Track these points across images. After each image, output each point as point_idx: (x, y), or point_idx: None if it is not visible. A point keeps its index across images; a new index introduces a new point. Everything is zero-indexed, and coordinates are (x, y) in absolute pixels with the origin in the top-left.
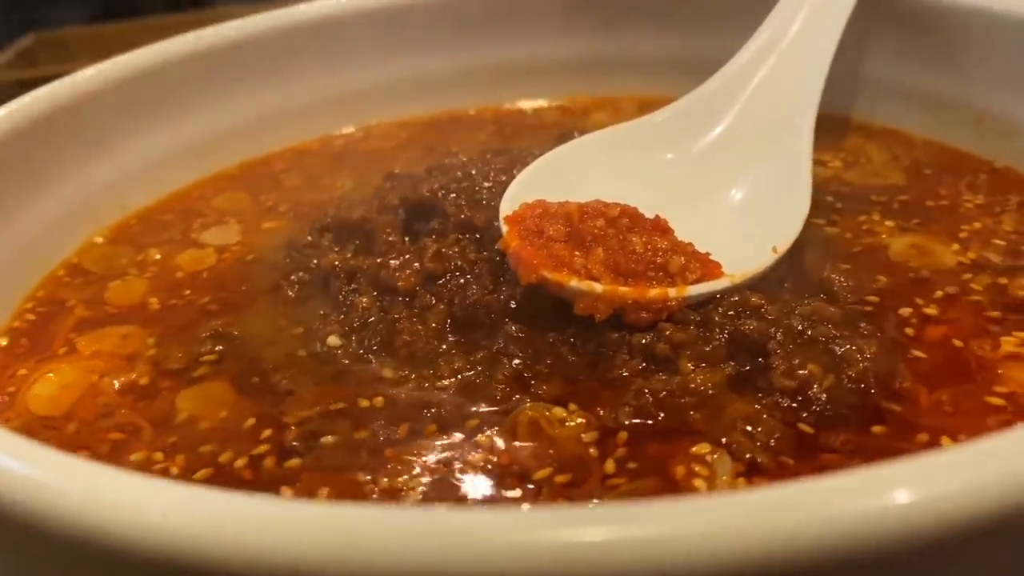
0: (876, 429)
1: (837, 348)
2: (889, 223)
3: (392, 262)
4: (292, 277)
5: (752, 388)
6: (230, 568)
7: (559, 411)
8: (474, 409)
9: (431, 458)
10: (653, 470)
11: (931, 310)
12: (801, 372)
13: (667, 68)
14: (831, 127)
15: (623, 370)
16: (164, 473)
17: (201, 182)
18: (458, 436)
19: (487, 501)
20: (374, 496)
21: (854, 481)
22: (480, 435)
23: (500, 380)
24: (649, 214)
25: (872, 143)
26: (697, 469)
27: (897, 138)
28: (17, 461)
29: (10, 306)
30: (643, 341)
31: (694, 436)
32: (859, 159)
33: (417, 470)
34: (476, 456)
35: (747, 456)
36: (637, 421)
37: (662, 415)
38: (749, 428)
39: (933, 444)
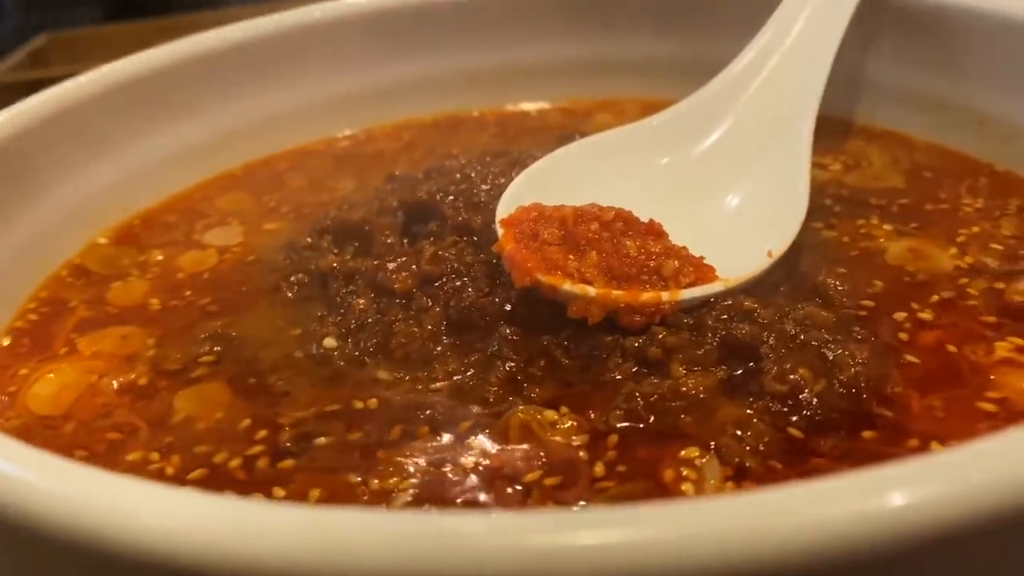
0: (866, 434)
1: (829, 353)
2: (887, 227)
3: (389, 264)
4: (291, 278)
5: (743, 392)
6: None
7: (551, 414)
8: (467, 411)
9: (422, 460)
10: (642, 473)
11: (926, 315)
12: (792, 377)
13: (670, 70)
14: (832, 129)
15: (616, 373)
16: (159, 473)
17: (205, 183)
18: (450, 438)
19: (476, 503)
20: (365, 498)
21: (843, 484)
22: (472, 437)
23: (493, 383)
24: (645, 218)
25: (873, 146)
26: (686, 473)
27: (898, 141)
28: (9, 464)
29: (13, 306)
30: (636, 344)
31: (684, 440)
32: (859, 162)
33: (408, 472)
34: (467, 458)
35: (736, 460)
36: (628, 424)
37: (653, 418)
38: (738, 432)
39: (923, 449)
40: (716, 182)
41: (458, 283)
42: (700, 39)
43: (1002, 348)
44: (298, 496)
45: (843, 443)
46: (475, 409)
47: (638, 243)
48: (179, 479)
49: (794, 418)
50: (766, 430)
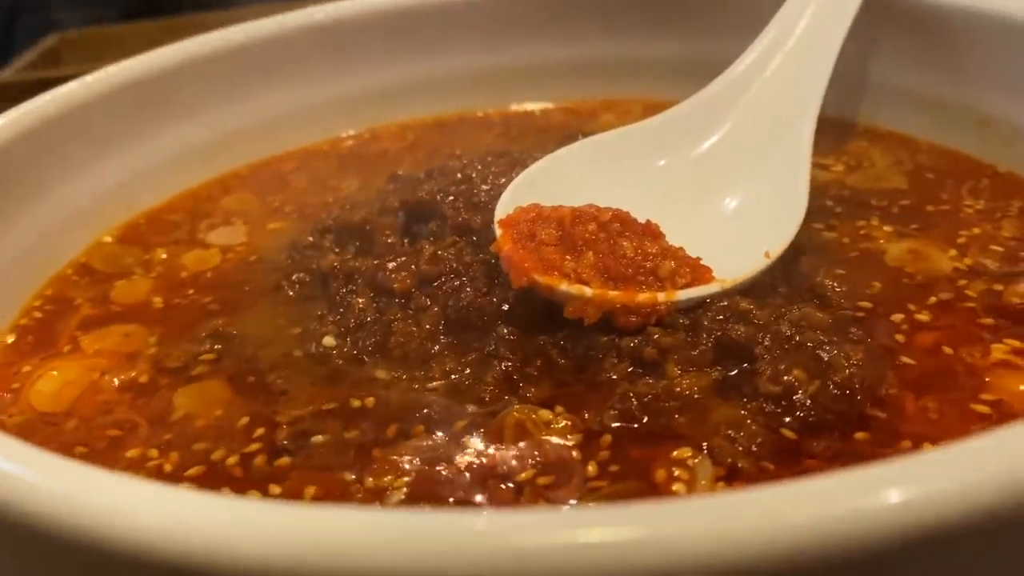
0: (859, 435)
1: (824, 354)
2: (887, 228)
3: (389, 264)
4: (293, 278)
5: (737, 393)
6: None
7: (545, 413)
8: (462, 410)
9: (417, 458)
10: (634, 473)
11: (923, 316)
12: (786, 378)
13: (675, 70)
14: (835, 130)
15: (611, 373)
16: (157, 470)
17: (210, 183)
18: (445, 437)
19: (469, 502)
20: (359, 496)
21: (832, 483)
22: (467, 436)
23: (489, 382)
24: (645, 218)
25: (876, 147)
26: (677, 473)
27: (901, 142)
28: (8, 462)
29: (19, 304)
30: (631, 345)
31: (677, 440)
32: (862, 163)
33: (402, 470)
34: (461, 457)
35: (728, 461)
36: (622, 424)
37: (646, 419)
38: (731, 433)
39: (915, 451)
40: (716, 183)
41: (456, 283)
42: (705, 40)
43: (998, 350)
44: (293, 494)
45: (836, 444)
46: (471, 408)
47: (635, 244)
48: (177, 476)
49: (787, 419)
50: (759, 431)
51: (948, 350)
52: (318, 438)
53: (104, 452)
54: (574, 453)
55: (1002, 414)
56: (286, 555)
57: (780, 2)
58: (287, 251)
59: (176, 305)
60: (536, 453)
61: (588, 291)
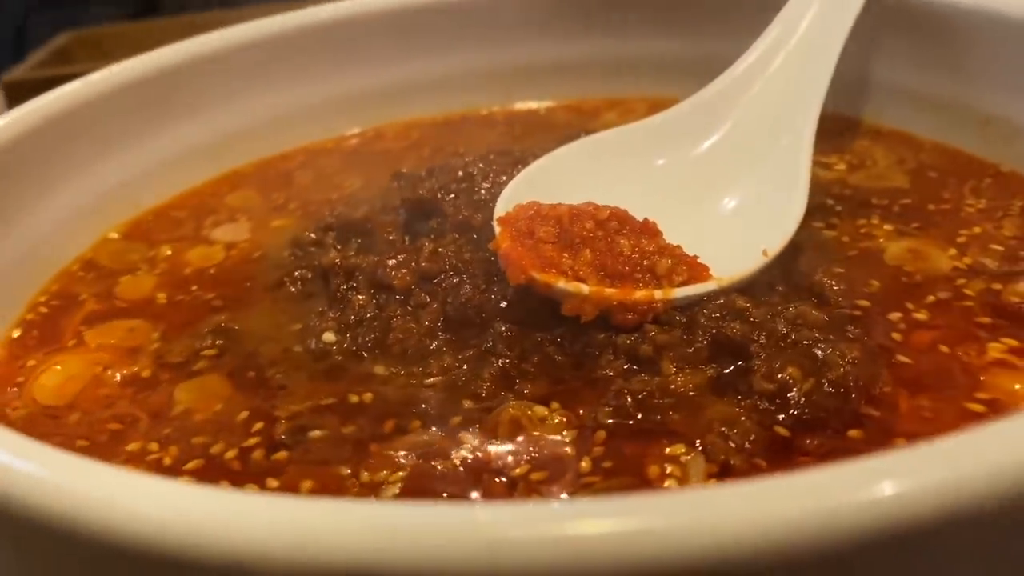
0: (852, 433)
1: (819, 352)
2: (888, 227)
3: (390, 261)
4: (295, 274)
5: (732, 390)
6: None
7: (540, 409)
8: (459, 406)
9: (413, 453)
10: (627, 469)
11: (921, 315)
12: (781, 375)
13: (678, 69)
14: (838, 129)
15: (607, 370)
16: (157, 464)
17: (215, 180)
18: (441, 432)
19: (463, 496)
20: (355, 490)
21: (825, 476)
22: (462, 432)
23: (486, 378)
24: (644, 217)
25: (879, 145)
26: (670, 469)
27: (904, 141)
28: (10, 456)
29: (25, 299)
30: (628, 342)
31: (671, 437)
32: (864, 162)
33: (398, 464)
34: (457, 452)
35: (721, 458)
36: (616, 421)
37: (641, 415)
38: (725, 430)
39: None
40: (717, 181)
41: (456, 280)
42: (708, 38)
43: (995, 349)
44: (290, 487)
45: (829, 442)
46: (467, 404)
47: (632, 242)
48: (176, 469)
49: (781, 416)
50: (752, 428)
51: (945, 349)
52: (316, 433)
53: (105, 445)
54: (568, 449)
55: (997, 413)
56: (283, 546)
57: (783, 1)
58: (290, 248)
59: (179, 301)
60: (531, 449)
61: (585, 288)
